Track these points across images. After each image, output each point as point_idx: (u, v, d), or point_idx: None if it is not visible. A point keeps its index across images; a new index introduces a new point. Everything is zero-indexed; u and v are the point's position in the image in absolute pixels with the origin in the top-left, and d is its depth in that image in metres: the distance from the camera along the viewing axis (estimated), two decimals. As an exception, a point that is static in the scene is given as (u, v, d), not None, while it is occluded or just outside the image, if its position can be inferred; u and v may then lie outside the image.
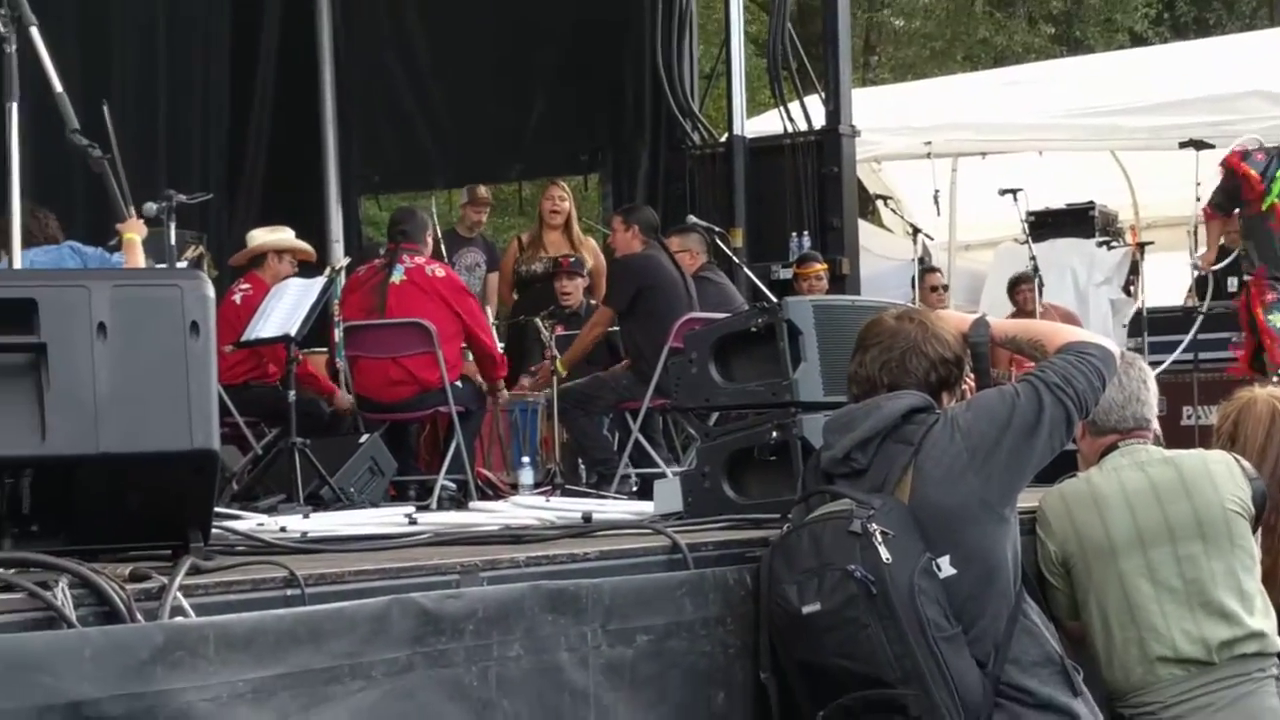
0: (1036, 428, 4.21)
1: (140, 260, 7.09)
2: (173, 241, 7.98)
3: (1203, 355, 11.91)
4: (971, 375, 4.51)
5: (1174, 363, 11.72)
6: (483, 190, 12.41)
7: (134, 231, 7.16)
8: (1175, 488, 4.88)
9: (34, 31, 4.92)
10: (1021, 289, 12.56)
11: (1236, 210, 10.01)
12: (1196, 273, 10.81)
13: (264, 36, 13.58)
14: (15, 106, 5.00)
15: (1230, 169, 9.76)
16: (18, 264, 5.39)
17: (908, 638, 3.98)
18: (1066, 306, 13.17)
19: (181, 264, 7.99)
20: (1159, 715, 4.76)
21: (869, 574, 3.99)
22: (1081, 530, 4.91)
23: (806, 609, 4.09)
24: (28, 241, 7.23)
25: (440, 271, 8.90)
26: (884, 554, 3.99)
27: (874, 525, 4.03)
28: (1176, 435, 10.46)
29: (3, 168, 5.32)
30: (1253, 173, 9.47)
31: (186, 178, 11.46)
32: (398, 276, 8.78)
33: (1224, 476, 4.93)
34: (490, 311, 11.02)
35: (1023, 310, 12.09)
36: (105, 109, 5.32)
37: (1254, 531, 4.96)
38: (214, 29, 13.27)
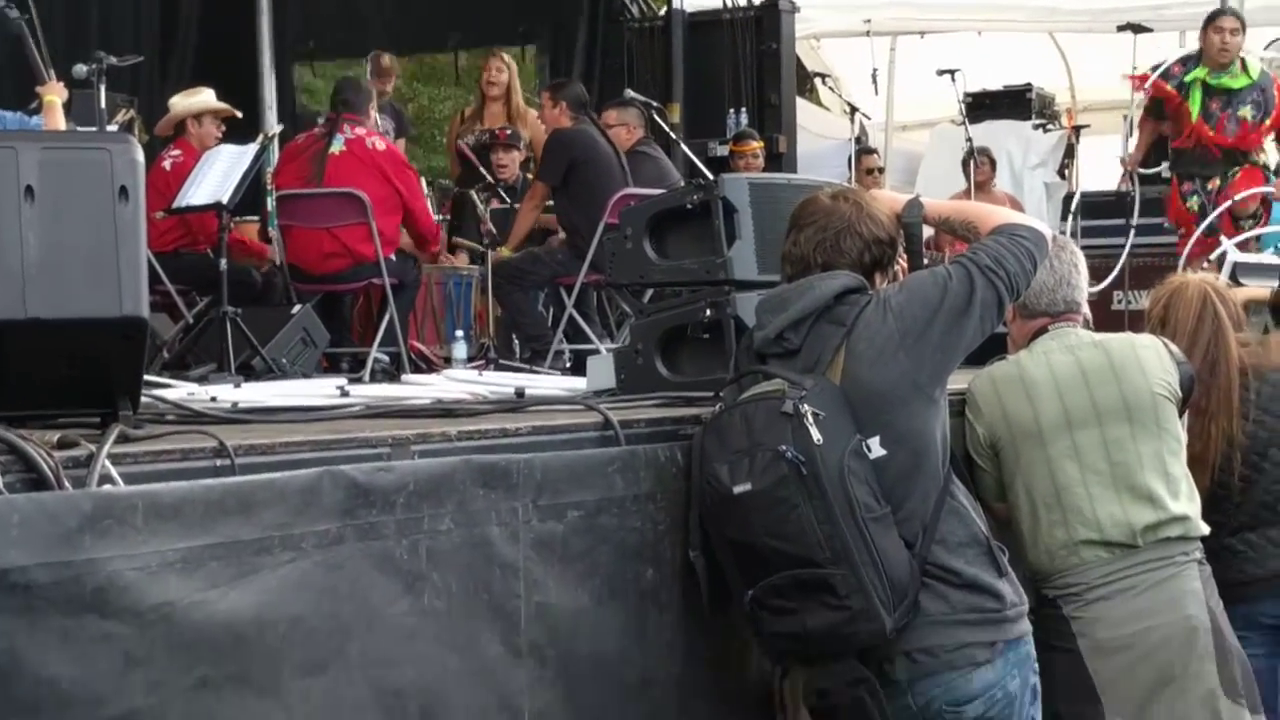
0: (968, 309, 4.22)
1: (60, 123, 7.01)
2: (103, 105, 7.89)
3: (1136, 240, 11.95)
4: (904, 255, 4.51)
5: (1106, 248, 11.76)
6: (386, 59, 12.17)
7: (54, 94, 7.08)
8: (1104, 371, 4.91)
9: (-39, -114, 4.81)
10: (978, 161, 12.56)
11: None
12: (1123, 169, 10.88)
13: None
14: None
15: (1151, 90, 9.90)
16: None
17: (837, 518, 4.00)
18: (1004, 190, 13.21)
19: (112, 128, 7.90)
20: (1083, 596, 4.81)
21: (800, 454, 4.01)
22: (1010, 413, 4.93)
23: (737, 488, 4.11)
24: None
25: (380, 144, 8.82)
26: (815, 435, 4.01)
27: (805, 406, 4.04)
28: (1107, 320, 10.53)
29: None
30: (1169, 87, 9.66)
31: (119, 40, 11.30)
32: (337, 146, 8.71)
33: (1152, 361, 4.97)
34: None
35: (979, 185, 12.13)
36: None
37: (1181, 416, 5.00)
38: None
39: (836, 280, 4.27)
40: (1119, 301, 11.71)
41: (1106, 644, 4.79)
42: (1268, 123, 9.57)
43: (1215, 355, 5.31)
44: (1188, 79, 9.53)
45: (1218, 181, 9.62)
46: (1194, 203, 9.62)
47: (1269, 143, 9.80)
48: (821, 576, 4.06)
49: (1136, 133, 10.54)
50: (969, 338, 4.27)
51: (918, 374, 4.18)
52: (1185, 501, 4.86)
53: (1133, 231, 11.44)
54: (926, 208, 4.54)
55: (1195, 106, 9.47)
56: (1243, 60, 9.58)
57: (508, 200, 10.21)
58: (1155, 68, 9.91)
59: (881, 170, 13.49)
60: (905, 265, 4.51)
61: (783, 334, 4.24)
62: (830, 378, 4.15)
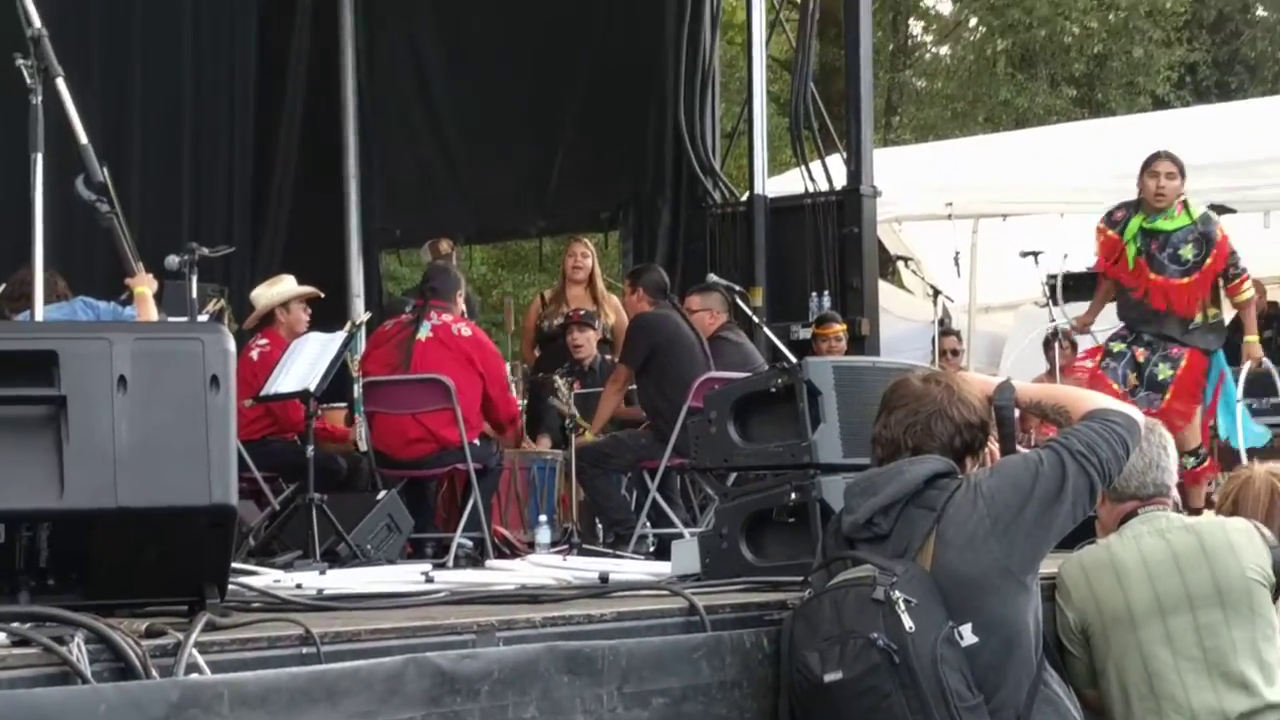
0: (1060, 496, 4.19)
1: (152, 314, 7.10)
2: (194, 294, 8.00)
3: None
4: (996, 440, 4.49)
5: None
6: (445, 245, 12.30)
7: (144, 285, 7.18)
8: (1195, 555, 4.86)
9: (60, 83, 4.93)
10: (1063, 346, 12.52)
11: None
12: (1073, 332, 10.57)
13: (288, 91, 13.66)
14: (40, 158, 5.01)
15: (1097, 239, 9.52)
16: (39, 317, 5.39)
17: (930, 707, 3.96)
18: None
19: (203, 317, 8.01)
20: (1178, 784, 4.73)
21: (892, 642, 3.98)
22: (1100, 598, 4.88)
23: (829, 677, 4.08)
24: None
25: (467, 330, 8.87)
26: (907, 622, 3.98)
27: (897, 593, 4.01)
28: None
29: (26, 220, 5.33)
30: (1110, 233, 9.29)
31: (210, 231, 11.50)
32: (424, 333, 8.77)
33: (1244, 545, 4.91)
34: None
35: (1062, 368, 12.04)
36: (105, 169, 5.30)
37: (1274, 600, 4.93)
38: (239, 82, 13.36)
39: (926, 465, 4.25)
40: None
41: (1203, 835, 4.69)
42: (1209, 263, 9.06)
43: None
44: (1129, 226, 9.17)
45: (1145, 353, 9.11)
46: (1118, 345, 9.17)
47: (1223, 298, 9.36)
48: None
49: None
50: (1061, 524, 4.24)
51: (1009, 560, 4.14)
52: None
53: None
54: (1018, 391, 4.53)
55: (1132, 250, 9.09)
56: (1184, 203, 9.23)
57: (590, 384, 10.26)
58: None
59: (958, 352, 13.46)
60: (997, 449, 4.49)
61: (872, 519, 4.22)
62: (920, 564, 4.13)
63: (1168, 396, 8.95)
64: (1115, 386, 8.74)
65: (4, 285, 7.81)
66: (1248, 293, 9.27)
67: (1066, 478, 4.20)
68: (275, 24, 13.63)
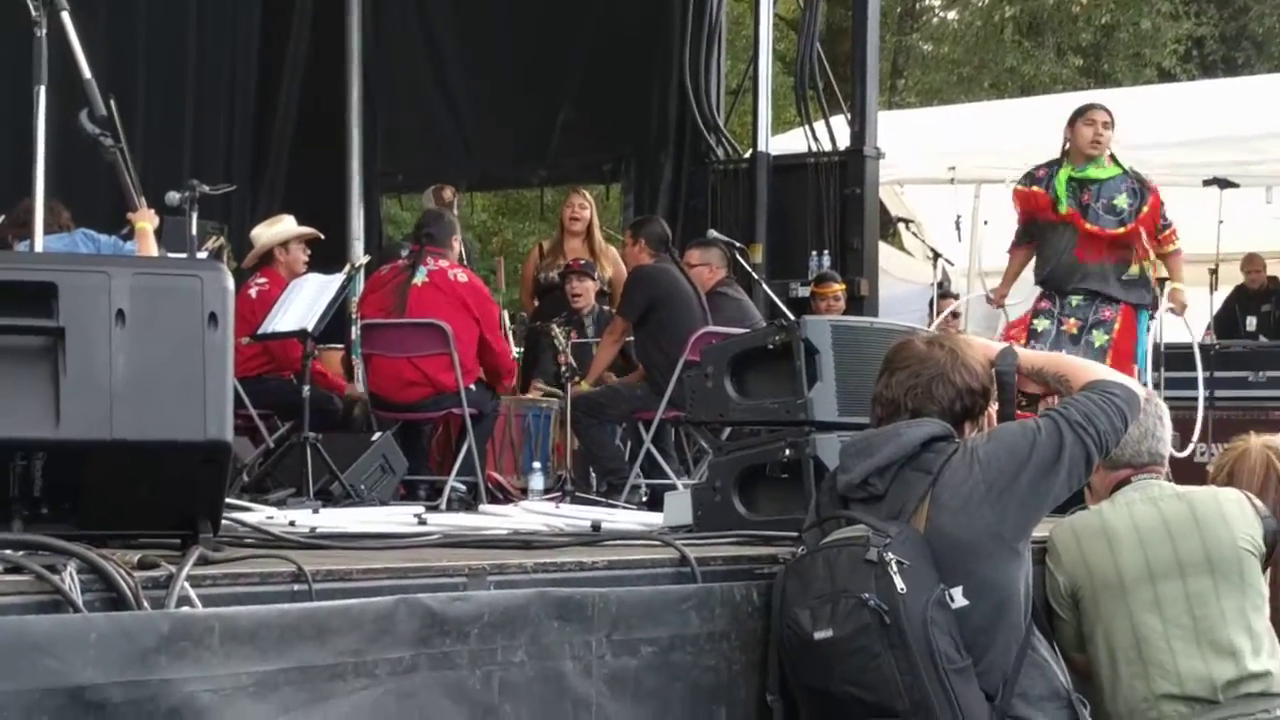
0: (1055, 465, 4.18)
1: (152, 249, 7.10)
2: (194, 231, 7.99)
3: (1219, 393, 11.87)
4: (995, 404, 4.48)
5: (1188, 400, 11.66)
6: (448, 192, 12.27)
7: (145, 220, 7.17)
8: (1187, 523, 4.86)
9: (65, 16, 4.91)
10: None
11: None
12: (990, 305, 10.34)
13: (293, 30, 13.64)
14: (43, 90, 4.99)
15: (1016, 202, 9.29)
16: (39, 249, 5.38)
17: (918, 668, 3.96)
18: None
19: (202, 254, 8.00)
20: (1161, 751, 4.74)
21: (883, 603, 3.98)
22: (1091, 563, 4.88)
23: (818, 634, 4.08)
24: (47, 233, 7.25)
25: (463, 276, 8.84)
26: (899, 584, 3.97)
27: (890, 554, 4.00)
28: (1188, 473, 10.41)
29: (29, 152, 5.31)
30: (1035, 189, 9.06)
31: (211, 169, 11.49)
32: (420, 278, 8.75)
33: (1236, 514, 4.91)
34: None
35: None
36: (112, 102, 5.28)
37: (1265, 570, 4.93)
38: (243, 20, 13.32)
39: (924, 428, 4.24)
40: (1200, 454, 11.59)
41: (1187, 801, 4.71)
42: (1145, 211, 8.83)
43: None
44: (1056, 179, 8.97)
45: (1077, 324, 8.86)
46: (1042, 323, 8.99)
47: (1153, 255, 9.16)
48: None
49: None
50: (1055, 493, 4.23)
51: (1002, 526, 4.14)
52: (1267, 658, 4.78)
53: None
54: (1020, 357, 4.51)
55: (1063, 199, 8.88)
56: (1112, 155, 9.07)
57: (586, 334, 10.26)
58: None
59: (958, 314, 13.45)
60: (994, 413, 4.48)
61: (868, 479, 4.22)
62: (914, 526, 4.12)
63: (1106, 363, 8.83)
64: None
65: (9, 213, 7.78)
66: (1176, 244, 9.13)
67: (1064, 447, 4.19)
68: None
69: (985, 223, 14.09)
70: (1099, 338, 8.83)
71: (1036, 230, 9.05)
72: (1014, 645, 4.15)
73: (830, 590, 4.08)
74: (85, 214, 8.59)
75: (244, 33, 13.32)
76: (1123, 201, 8.77)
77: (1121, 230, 8.77)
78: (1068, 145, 8.88)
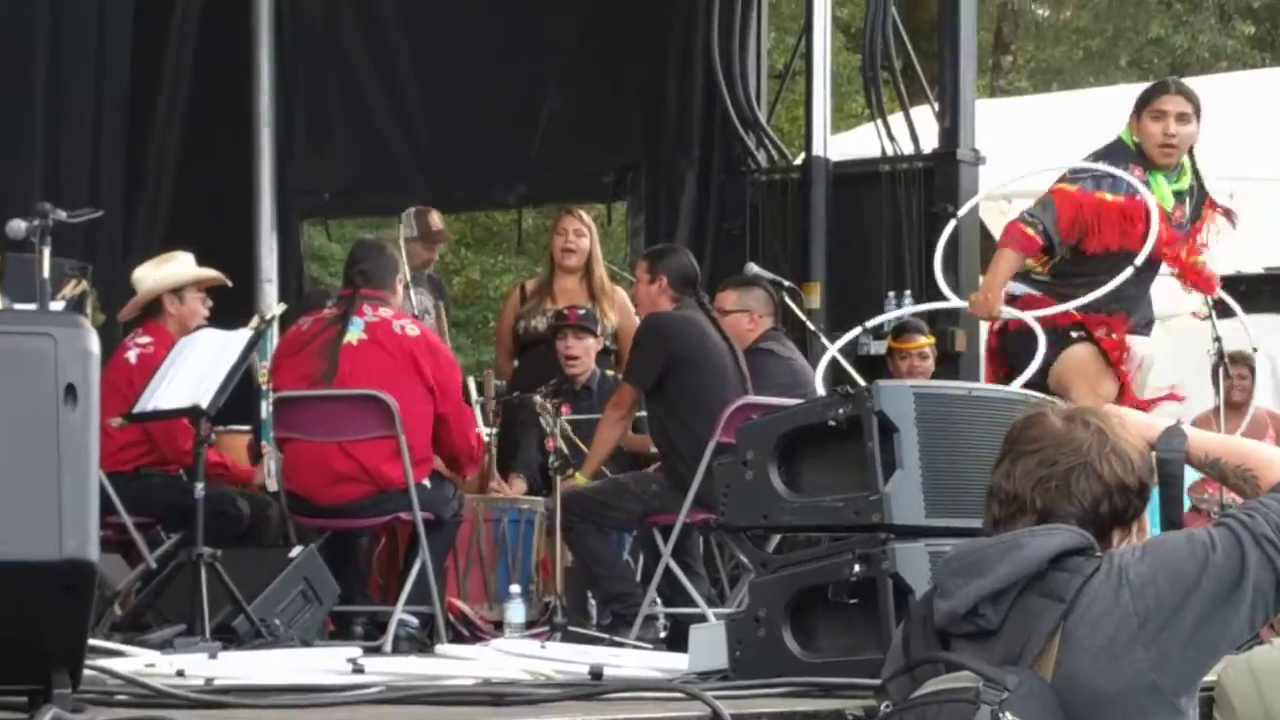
0: (1235, 593, 4.16)
1: None
2: (46, 274, 8.01)
3: None
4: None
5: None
6: (437, 218, 12.15)
7: None
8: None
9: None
10: (1235, 373, 12.40)
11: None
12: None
13: (177, 9, 13.67)
14: None
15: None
16: None
17: None
18: (1266, 407, 13.14)
19: (58, 304, 8.01)
20: None
21: None
22: (1274, 713, 4.88)
23: None
24: None
25: (413, 329, 8.84)
26: None
27: (1007, 714, 4.01)
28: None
29: None
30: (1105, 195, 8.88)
31: (70, 191, 11.51)
32: (355, 334, 8.76)
33: None
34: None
35: (1229, 405, 11.98)
36: None
37: None
38: (112, 5, 13.35)
39: (1055, 538, 4.22)
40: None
41: None
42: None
43: None
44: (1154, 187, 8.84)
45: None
46: None
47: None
48: None
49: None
50: (1234, 633, 4.21)
51: (1160, 675, 4.12)
52: None
53: None
54: (1190, 440, 4.49)
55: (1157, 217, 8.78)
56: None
57: (584, 409, 10.27)
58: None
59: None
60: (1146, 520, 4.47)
61: (977, 608, 4.20)
62: (1040, 673, 4.12)
63: None
64: None
65: None
66: None
67: (1246, 571, 4.16)
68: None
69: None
70: None
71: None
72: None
73: None
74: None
75: (113, 17, 13.36)
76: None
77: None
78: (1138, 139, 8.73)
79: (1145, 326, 8.94)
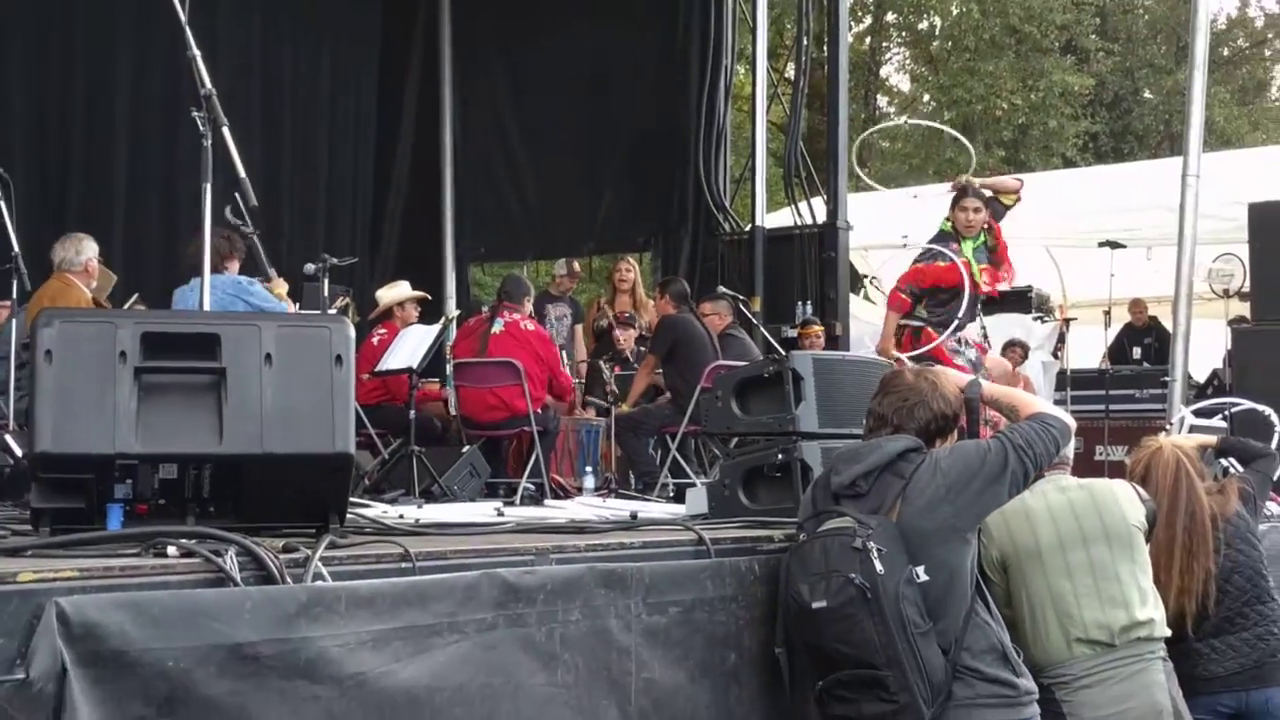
0: (1000, 476, 4.17)
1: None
2: (325, 294, 8.02)
3: (1112, 407, 11.85)
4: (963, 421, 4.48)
5: (1089, 412, 11.65)
6: (577, 265, 12.45)
7: (279, 289, 7.22)
8: (1088, 506, 4.83)
9: (225, 131, 4.91)
10: (1011, 351, 12.58)
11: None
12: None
13: (401, 136, 13.64)
14: (208, 188, 5.00)
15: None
16: (207, 298, 5.38)
17: (892, 632, 3.97)
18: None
19: (332, 312, 8.02)
20: (1071, 685, 4.68)
21: (865, 581, 3.98)
22: (1016, 537, 4.85)
23: (815, 604, 4.08)
24: (223, 260, 7.28)
25: (530, 326, 8.90)
26: (878, 566, 3.97)
27: (871, 543, 4.00)
28: (1091, 468, 10.37)
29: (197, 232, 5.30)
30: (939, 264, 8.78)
31: (339, 245, 11.50)
32: (498, 327, 8.80)
33: (1126, 498, 4.89)
34: (577, 353, 11.20)
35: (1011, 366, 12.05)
36: (238, 196, 5.21)
37: (1146, 542, 4.90)
38: (362, 131, 13.33)
39: (900, 442, 4.23)
40: (1100, 454, 11.55)
41: (1091, 723, 4.66)
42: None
43: (1193, 507, 5.25)
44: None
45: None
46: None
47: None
48: (878, 677, 4.02)
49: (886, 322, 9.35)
50: (999, 499, 4.22)
51: (957, 520, 4.12)
52: (1152, 609, 4.75)
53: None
54: (983, 387, 4.52)
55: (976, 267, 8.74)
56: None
57: (627, 368, 10.25)
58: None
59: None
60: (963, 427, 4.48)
61: (855, 481, 4.20)
62: (890, 518, 4.11)
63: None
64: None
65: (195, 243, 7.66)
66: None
67: (1008, 464, 4.18)
68: (390, 91, 13.63)
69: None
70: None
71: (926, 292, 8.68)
72: (963, 610, 4.13)
73: (824, 569, 4.07)
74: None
75: (363, 137, 13.34)
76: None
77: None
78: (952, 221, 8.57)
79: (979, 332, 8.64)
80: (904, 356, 7.97)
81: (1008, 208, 8.67)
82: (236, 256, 7.58)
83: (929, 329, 8.12)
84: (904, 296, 8.15)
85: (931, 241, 8.43)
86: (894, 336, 8.17)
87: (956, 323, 8.20)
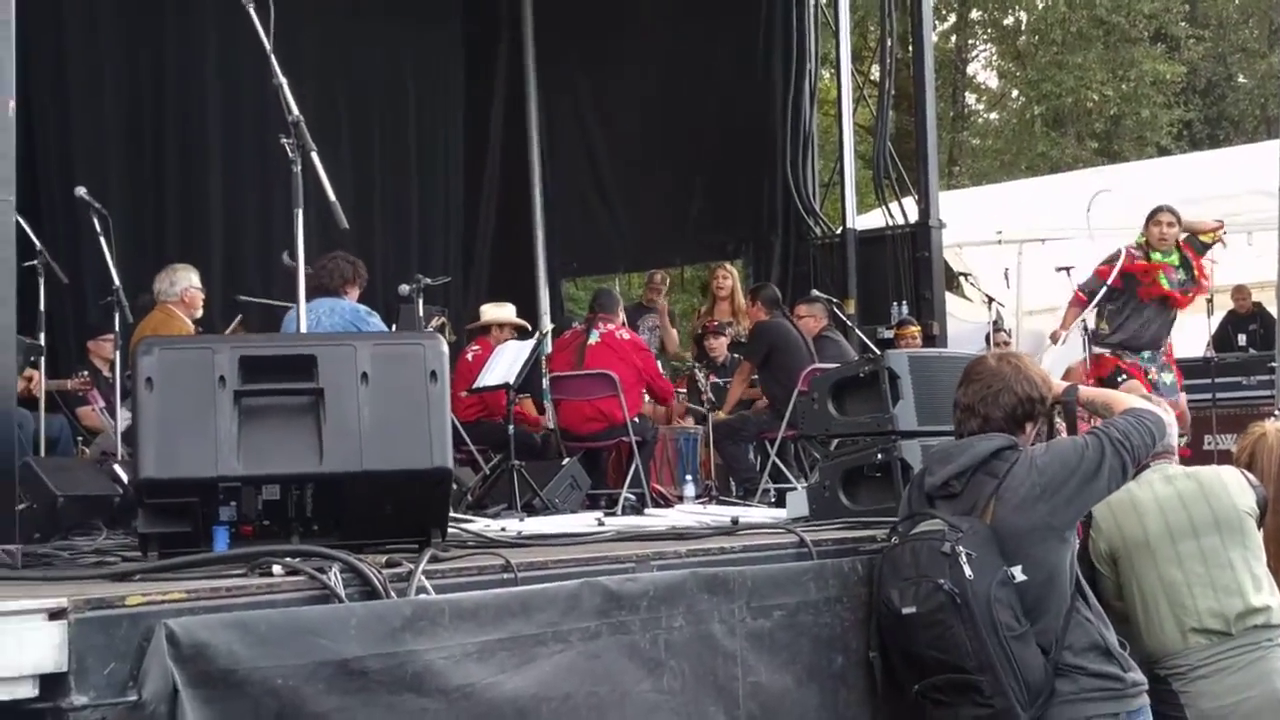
0: (1098, 473, 4.11)
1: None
2: (420, 313, 8.07)
3: (1219, 395, 11.62)
4: (1063, 422, 4.44)
5: (1196, 401, 11.44)
6: (660, 275, 12.47)
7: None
8: (1196, 495, 4.76)
9: (314, 156, 4.96)
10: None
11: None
12: (1050, 344, 9.83)
13: (489, 157, 13.72)
14: (300, 213, 5.06)
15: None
16: (304, 321, 5.43)
17: (983, 637, 3.94)
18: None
19: (427, 330, 8.07)
20: (1187, 675, 4.61)
21: (955, 587, 3.95)
22: (1124, 530, 4.78)
23: (905, 610, 4.06)
24: (344, 285, 7.48)
25: (626, 335, 8.93)
26: (968, 571, 3.95)
27: (960, 548, 3.97)
28: (1200, 457, 10.17)
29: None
30: (1140, 261, 8.82)
31: (433, 266, 11.59)
32: (594, 339, 8.85)
33: (1235, 485, 4.82)
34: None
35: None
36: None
37: (1259, 528, 4.81)
38: (451, 156, 13.42)
39: (993, 441, 4.18)
40: (1208, 443, 11.33)
41: (1209, 714, 4.58)
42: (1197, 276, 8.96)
43: None
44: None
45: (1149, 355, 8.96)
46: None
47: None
48: (971, 681, 4.00)
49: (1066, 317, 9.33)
50: (1097, 495, 4.17)
51: (1053, 518, 4.06)
52: (1268, 595, 4.66)
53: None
54: (1079, 391, 4.49)
55: (1164, 280, 8.83)
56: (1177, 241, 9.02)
57: (721, 375, 10.24)
58: (1110, 260, 9.08)
59: (1007, 342, 13.23)
60: (1063, 428, 4.45)
61: (948, 481, 4.15)
62: (983, 519, 4.05)
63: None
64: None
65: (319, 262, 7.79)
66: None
67: (1104, 459, 4.11)
68: (477, 112, 13.72)
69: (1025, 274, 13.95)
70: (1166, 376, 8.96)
71: (1123, 297, 8.86)
72: (1063, 609, 4.07)
73: (914, 575, 4.06)
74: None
75: (452, 164, 13.43)
76: (1182, 275, 8.91)
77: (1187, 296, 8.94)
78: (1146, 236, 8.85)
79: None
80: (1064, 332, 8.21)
81: (1207, 246, 8.84)
82: (359, 283, 7.69)
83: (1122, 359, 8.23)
84: (1083, 295, 8.30)
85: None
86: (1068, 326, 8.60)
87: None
